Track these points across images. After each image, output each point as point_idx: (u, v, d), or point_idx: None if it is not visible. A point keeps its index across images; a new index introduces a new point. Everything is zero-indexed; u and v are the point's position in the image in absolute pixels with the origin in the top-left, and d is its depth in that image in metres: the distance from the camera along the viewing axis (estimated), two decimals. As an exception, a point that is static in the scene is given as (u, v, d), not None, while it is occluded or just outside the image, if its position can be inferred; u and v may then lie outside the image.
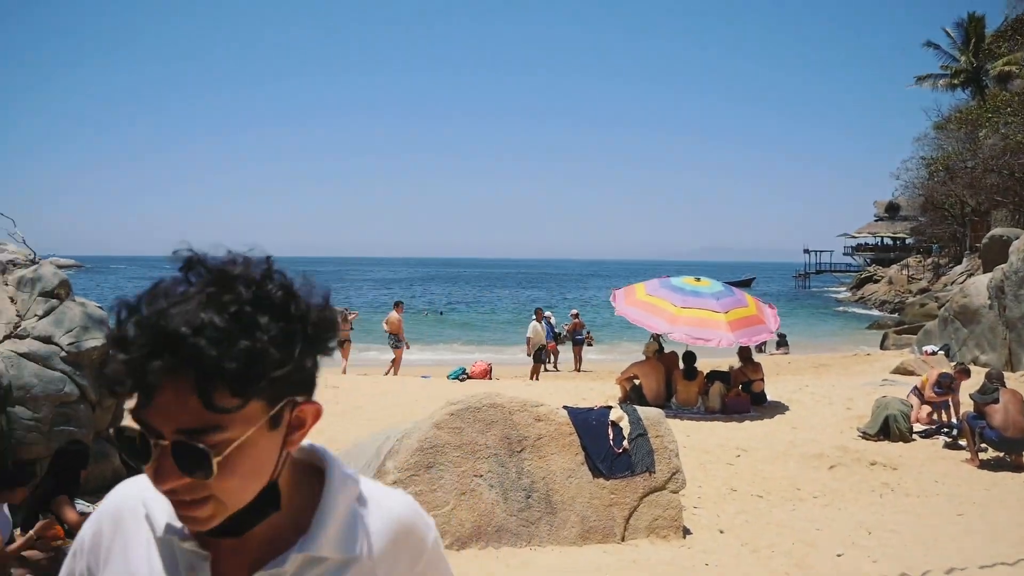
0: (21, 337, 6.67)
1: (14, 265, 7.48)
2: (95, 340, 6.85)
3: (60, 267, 8.01)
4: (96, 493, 6.44)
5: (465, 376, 15.98)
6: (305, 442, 1.03)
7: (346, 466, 1.05)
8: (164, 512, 0.98)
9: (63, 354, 6.66)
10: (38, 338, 6.68)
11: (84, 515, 5.37)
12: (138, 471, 0.86)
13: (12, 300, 6.98)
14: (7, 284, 7.11)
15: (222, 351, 0.83)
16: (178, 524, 0.97)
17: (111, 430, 0.81)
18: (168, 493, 0.89)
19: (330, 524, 0.99)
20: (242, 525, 0.95)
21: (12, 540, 5.06)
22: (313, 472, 1.05)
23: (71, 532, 5.35)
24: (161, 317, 0.84)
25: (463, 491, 5.83)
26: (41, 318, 6.84)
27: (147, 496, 1.01)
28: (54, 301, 6.98)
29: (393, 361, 17.33)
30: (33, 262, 7.57)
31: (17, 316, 6.84)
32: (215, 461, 0.86)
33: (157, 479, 0.88)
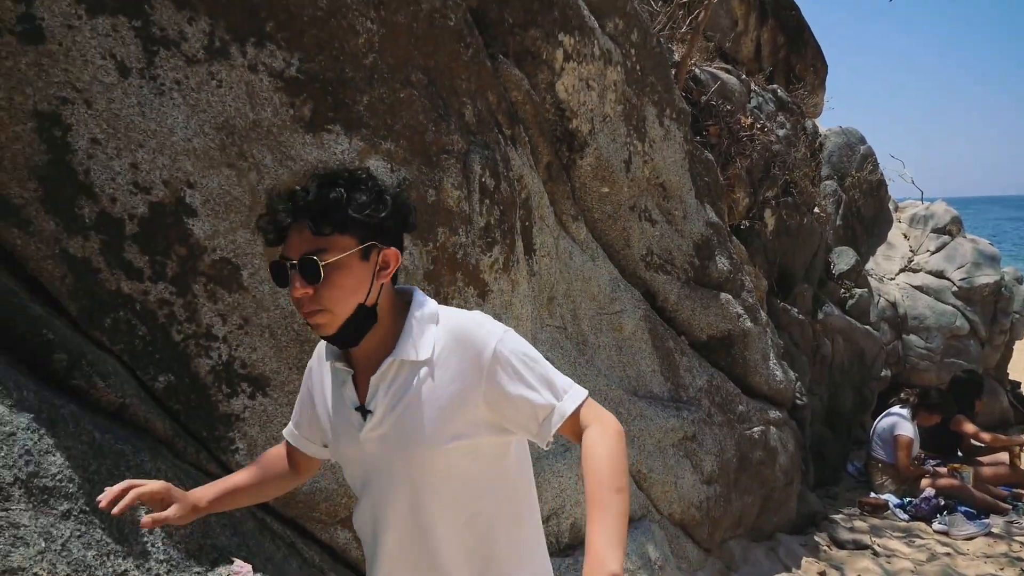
0: (914, 271, 7.13)
1: (899, 204, 8.00)
2: (987, 277, 6.85)
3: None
4: (988, 428, 6.43)
5: None
6: (409, 289, 1.50)
7: (428, 298, 1.47)
8: (330, 351, 1.51)
9: (954, 289, 6.86)
10: (930, 272, 7.04)
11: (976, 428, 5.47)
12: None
13: (905, 236, 7.49)
14: (900, 221, 7.65)
15: (318, 200, 1.34)
16: (335, 352, 1.49)
17: (271, 263, 1.39)
18: (299, 304, 1.37)
19: (411, 336, 1.42)
20: (356, 333, 1.41)
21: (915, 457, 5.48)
22: (407, 308, 1.46)
23: (968, 446, 5.55)
24: (288, 188, 1.40)
25: None
26: (933, 253, 7.19)
27: (322, 344, 1.57)
28: (946, 237, 7.24)
29: None
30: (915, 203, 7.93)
31: (910, 251, 7.32)
32: (322, 267, 1.33)
33: (293, 290, 1.35)
